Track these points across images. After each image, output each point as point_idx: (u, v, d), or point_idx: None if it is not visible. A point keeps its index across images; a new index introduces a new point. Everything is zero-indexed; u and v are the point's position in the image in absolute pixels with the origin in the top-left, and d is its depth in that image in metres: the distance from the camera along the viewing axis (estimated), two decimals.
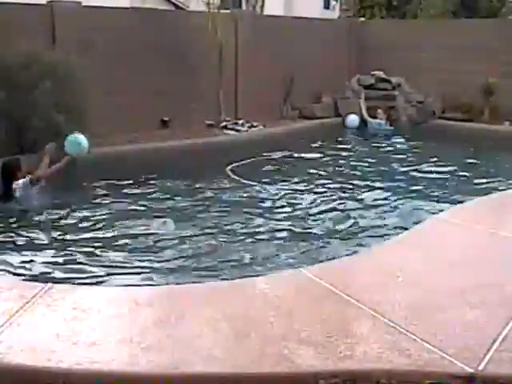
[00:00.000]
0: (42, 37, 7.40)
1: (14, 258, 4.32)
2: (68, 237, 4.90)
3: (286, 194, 6.34)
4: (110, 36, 8.21)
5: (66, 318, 2.28)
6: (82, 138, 6.15)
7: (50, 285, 2.60)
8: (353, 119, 10.60)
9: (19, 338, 2.12)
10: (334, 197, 6.24)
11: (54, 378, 1.94)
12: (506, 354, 2.07)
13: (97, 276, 4.04)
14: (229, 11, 10.70)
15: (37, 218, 5.34)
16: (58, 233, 4.97)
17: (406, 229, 3.92)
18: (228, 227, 5.21)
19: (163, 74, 8.89)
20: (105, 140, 7.29)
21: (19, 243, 4.72)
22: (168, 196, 6.20)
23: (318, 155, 8.53)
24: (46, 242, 4.77)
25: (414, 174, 7.54)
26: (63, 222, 5.30)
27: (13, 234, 4.90)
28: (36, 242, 4.78)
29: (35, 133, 6.35)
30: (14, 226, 5.14)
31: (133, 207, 5.79)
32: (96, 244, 4.70)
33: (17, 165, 5.89)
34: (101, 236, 4.93)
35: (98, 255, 4.46)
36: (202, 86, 9.31)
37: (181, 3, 17.91)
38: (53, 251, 4.53)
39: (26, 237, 4.86)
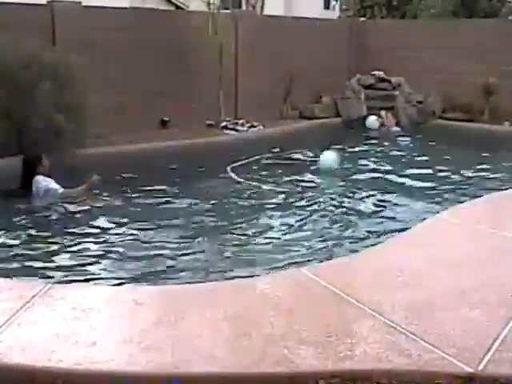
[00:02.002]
0: (41, 37, 7.39)
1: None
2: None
3: (286, 194, 6.34)
4: (110, 36, 8.20)
5: (65, 318, 2.28)
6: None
7: (49, 285, 2.60)
8: (373, 120, 10.51)
9: (19, 338, 2.12)
10: (337, 199, 6.22)
11: (53, 377, 1.94)
12: (506, 353, 2.07)
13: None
14: (229, 11, 10.72)
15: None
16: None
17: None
18: (228, 226, 5.21)
19: (163, 74, 8.89)
20: (104, 140, 7.28)
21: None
22: (168, 196, 6.20)
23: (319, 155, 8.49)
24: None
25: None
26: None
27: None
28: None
29: (35, 133, 6.35)
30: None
31: (132, 208, 5.78)
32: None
33: (39, 160, 6.05)
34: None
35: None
36: (202, 86, 9.31)
37: (181, 3, 17.93)
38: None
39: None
